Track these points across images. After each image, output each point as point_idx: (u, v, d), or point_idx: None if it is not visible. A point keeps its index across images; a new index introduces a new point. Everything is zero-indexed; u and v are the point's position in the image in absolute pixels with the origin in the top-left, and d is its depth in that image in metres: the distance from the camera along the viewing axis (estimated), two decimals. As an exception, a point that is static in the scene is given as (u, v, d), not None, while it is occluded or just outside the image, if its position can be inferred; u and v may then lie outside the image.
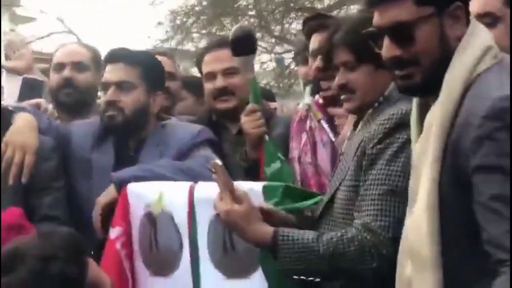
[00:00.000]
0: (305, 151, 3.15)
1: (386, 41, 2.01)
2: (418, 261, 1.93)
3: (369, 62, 2.40)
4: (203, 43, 14.77)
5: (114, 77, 3.13)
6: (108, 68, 3.18)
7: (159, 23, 14.20)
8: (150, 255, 2.78)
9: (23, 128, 3.01)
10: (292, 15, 14.23)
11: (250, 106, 3.14)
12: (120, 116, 3.08)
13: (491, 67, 1.92)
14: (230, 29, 14.68)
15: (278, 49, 15.08)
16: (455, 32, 1.97)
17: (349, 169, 2.41)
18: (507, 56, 1.99)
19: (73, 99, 3.56)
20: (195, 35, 15.04)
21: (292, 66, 14.69)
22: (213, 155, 3.03)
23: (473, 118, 1.83)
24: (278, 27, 14.24)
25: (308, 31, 3.20)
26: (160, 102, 3.23)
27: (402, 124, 2.27)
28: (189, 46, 14.64)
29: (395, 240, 2.16)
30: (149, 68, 3.18)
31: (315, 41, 3.11)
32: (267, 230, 2.30)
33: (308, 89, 3.29)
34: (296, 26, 14.69)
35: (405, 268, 2.02)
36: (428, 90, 2.01)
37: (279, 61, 14.72)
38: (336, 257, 2.22)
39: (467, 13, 2.01)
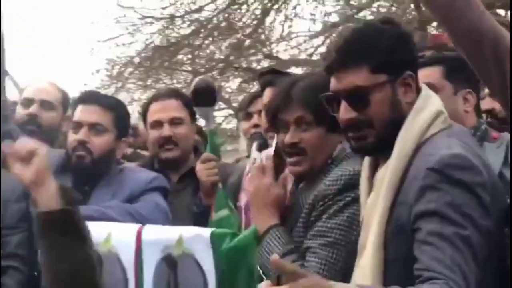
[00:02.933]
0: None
1: (343, 105, 2.15)
2: None
3: (323, 125, 2.49)
4: (137, 94, 14.85)
5: (89, 118, 3.21)
6: (82, 108, 3.25)
7: (97, 71, 14.22)
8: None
9: None
10: (229, 73, 14.45)
11: (205, 154, 3.25)
12: (88, 157, 3.15)
13: (441, 131, 2.09)
14: (166, 83, 14.69)
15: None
16: (406, 98, 2.14)
17: (295, 225, 2.53)
18: (455, 124, 2.17)
19: (36, 137, 3.56)
20: (130, 85, 15.08)
21: (224, 124, 14.84)
22: (163, 202, 3.12)
23: (420, 172, 1.97)
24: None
25: (263, 84, 3.33)
26: (124, 149, 3.31)
27: (350, 185, 2.40)
28: (123, 96, 14.66)
29: None
30: (120, 115, 3.29)
31: (268, 95, 3.22)
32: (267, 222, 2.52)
33: (255, 144, 3.41)
34: (231, 84, 14.92)
35: None
36: (380, 150, 2.16)
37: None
38: None
39: (417, 81, 2.18)
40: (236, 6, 13.45)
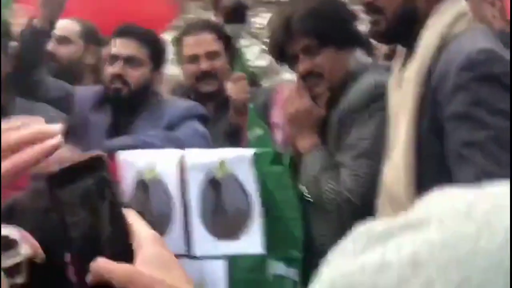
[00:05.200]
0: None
1: None
2: (396, 203, 2.10)
3: (330, 45, 2.54)
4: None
5: (124, 51, 3.28)
6: (118, 42, 3.32)
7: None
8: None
9: None
10: (259, 9, 14.37)
11: (236, 74, 3.30)
12: (125, 90, 3.22)
13: (467, 29, 2.10)
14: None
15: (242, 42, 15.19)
16: None
17: (328, 142, 2.58)
18: (481, 25, 2.19)
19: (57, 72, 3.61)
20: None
21: (256, 62, 14.80)
22: (202, 128, 3.18)
23: (450, 70, 1.99)
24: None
25: None
26: (161, 81, 3.37)
27: (373, 96, 2.46)
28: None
29: (365, 197, 2.37)
30: (156, 47, 3.35)
31: None
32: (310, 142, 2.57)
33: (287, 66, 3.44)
34: (262, 20, 14.83)
35: (384, 212, 2.17)
36: (392, 38, 2.24)
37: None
38: (318, 198, 2.49)
39: None
40: None
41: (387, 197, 2.16)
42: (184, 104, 3.33)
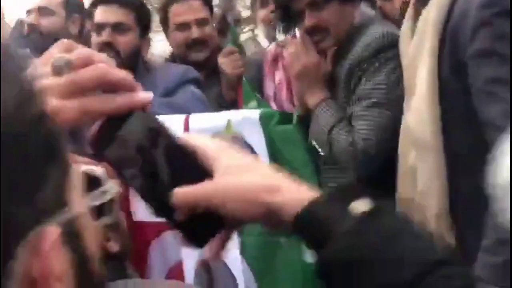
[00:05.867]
0: (280, 88, 3.25)
1: None
2: (420, 146, 2.08)
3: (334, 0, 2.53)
4: None
5: (111, 18, 3.14)
6: (102, 9, 3.18)
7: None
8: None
9: None
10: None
11: (228, 47, 3.22)
12: (117, 58, 3.09)
13: None
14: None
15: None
16: None
17: (339, 96, 2.55)
18: None
19: (39, 45, 3.42)
20: None
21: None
22: (199, 92, 3.10)
23: (470, 8, 1.96)
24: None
25: None
26: (148, 46, 3.27)
27: (382, 45, 2.45)
28: None
29: (380, 146, 2.36)
30: (141, 12, 3.23)
31: None
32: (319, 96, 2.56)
33: (280, 28, 3.39)
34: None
35: (407, 157, 2.16)
36: None
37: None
38: (332, 151, 2.48)
39: None
40: None
41: (411, 141, 2.13)
42: (177, 69, 3.23)
